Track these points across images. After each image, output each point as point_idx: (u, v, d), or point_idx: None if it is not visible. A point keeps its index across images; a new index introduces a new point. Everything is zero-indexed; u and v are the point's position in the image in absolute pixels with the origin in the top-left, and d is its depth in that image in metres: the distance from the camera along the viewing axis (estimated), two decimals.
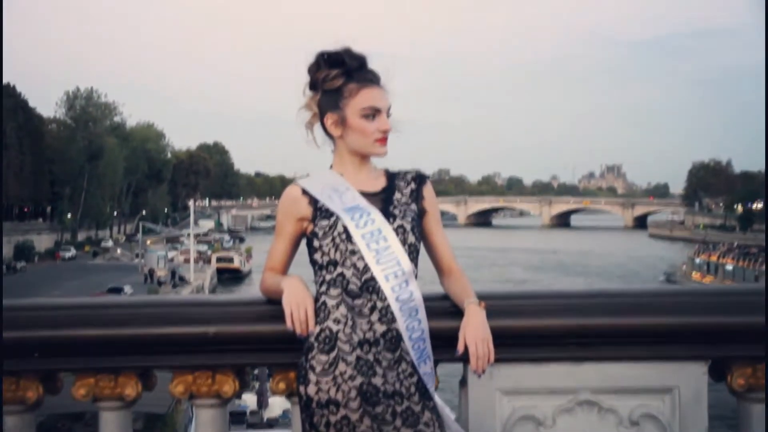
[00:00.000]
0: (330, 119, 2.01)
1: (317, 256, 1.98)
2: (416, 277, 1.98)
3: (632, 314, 2.15)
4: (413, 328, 1.93)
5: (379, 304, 1.91)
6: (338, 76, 1.98)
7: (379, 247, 1.93)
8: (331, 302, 1.93)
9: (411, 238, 1.99)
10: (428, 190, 2.12)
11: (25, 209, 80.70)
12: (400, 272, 1.93)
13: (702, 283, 55.85)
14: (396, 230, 1.96)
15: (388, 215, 1.99)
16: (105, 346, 2.10)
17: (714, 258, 68.20)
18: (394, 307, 1.91)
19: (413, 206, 2.05)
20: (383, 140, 2.01)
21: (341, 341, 1.89)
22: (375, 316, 1.91)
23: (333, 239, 1.95)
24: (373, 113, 1.98)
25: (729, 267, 62.73)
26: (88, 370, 2.10)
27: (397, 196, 2.06)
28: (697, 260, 70.46)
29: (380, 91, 2.01)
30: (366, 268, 1.92)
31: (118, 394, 2.09)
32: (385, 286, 1.92)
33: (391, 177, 2.12)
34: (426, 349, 1.95)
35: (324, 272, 1.97)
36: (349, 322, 1.90)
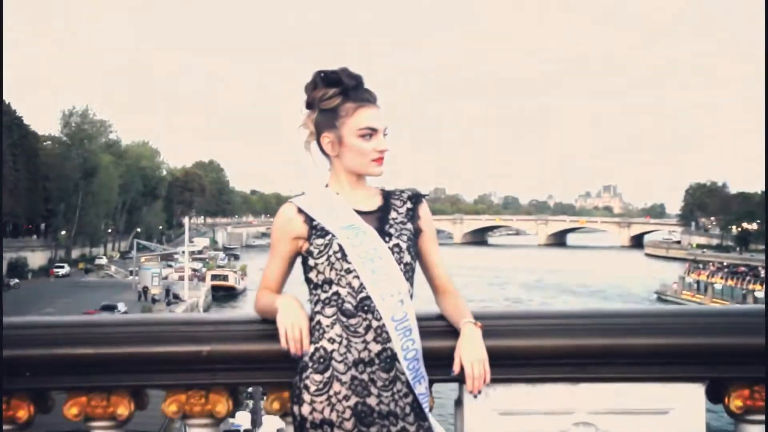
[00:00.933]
0: (326, 138, 2.02)
1: (312, 274, 1.98)
2: (411, 296, 1.98)
3: (629, 335, 2.13)
4: (408, 348, 1.92)
5: (375, 324, 1.90)
6: (335, 95, 1.98)
7: (374, 266, 1.93)
8: (325, 321, 1.92)
9: (407, 257, 1.99)
10: (424, 210, 2.12)
11: (20, 226, 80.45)
12: (395, 291, 1.93)
13: (695, 302, 57.02)
14: (392, 249, 1.96)
15: (384, 234, 1.99)
16: (98, 365, 2.07)
17: (704, 277, 69.78)
18: (389, 327, 1.90)
19: (409, 225, 2.05)
20: (380, 160, 2.01)
21: (336, 361, 1.88)
22: (370, 336, 1.89)
23: (328, 258, 1.94)
24: (369, 133, 1.98)
25: (718, 286, 65.00)
26: (81, 389, 2.07)
27: (393, 215, 2.05)
28: (688, 279, 72.05)
29: (377, 111, 2.02)
30: (361, 287, 1.91)
31: (110, 414, 2.07)
32: (381, 306, 1.90)
33: (387, 196, 2.12)
34: (420, 369, 1.94)
35: (319, 291, 1.96)
36: (344, 342, 1.89)
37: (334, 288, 1.93)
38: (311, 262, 1.97)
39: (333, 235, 1.95)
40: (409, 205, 2.10)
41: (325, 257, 1.94)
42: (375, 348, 1.89)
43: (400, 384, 1.90)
